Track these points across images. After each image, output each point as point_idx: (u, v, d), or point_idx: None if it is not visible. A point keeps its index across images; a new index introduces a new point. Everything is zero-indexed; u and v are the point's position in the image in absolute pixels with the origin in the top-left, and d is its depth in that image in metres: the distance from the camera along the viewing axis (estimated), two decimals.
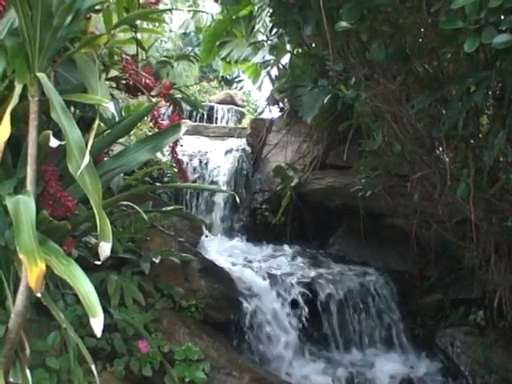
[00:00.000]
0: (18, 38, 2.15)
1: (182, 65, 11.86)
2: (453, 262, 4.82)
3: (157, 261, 3.65)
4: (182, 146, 2.91)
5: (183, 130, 2.57)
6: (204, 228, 4.84)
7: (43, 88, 2.02)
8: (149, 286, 3.60)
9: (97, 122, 2.06)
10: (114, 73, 2.97)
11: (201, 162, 6.49)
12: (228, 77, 16.34)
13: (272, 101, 7.46)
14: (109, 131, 2.64)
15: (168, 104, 3.11)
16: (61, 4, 2.16)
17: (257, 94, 14.90)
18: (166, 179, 5.62)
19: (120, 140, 3.00)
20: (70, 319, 2.79)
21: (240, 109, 12.16)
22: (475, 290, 4.67)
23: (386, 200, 4.92)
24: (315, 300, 4.61)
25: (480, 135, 3.42)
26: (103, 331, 1.75)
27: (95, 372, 2.06)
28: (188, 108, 7.53)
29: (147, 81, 2.80)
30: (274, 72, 7.27)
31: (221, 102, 12.20)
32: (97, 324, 1.74)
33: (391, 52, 2.99)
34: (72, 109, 2.57)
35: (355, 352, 4.62)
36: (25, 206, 1.92)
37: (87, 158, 1.86)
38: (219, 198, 6.27)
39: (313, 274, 4.93)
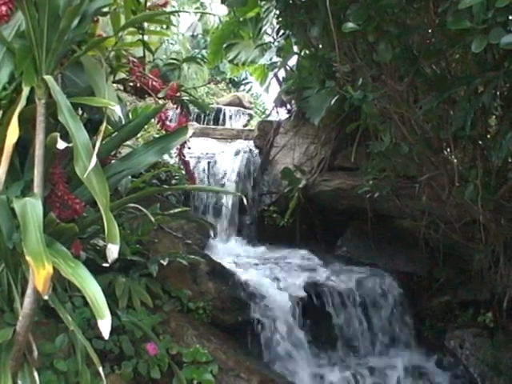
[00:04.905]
0: (25, 41, 2.16)
1: (192, 68, 11.89)
2: (461, 263, 4.80)
3: (164, 263, 3.65)
4: (189, 148, 2.90)
5: (190, 132, 2.56)
6: (212, 230, 4.84)
7: (50, 90, 2.02)
8: (156, 288, 3.61)
9: (104, 124, 2.06)
10: (121, 75, 2.97)
11: (208, 164, 6.49)
12: (236, 79, 16.37)
13: (279, 102, 7.46)
14: (116, 133, 2.64)
15: (175, 106, 3.12)
16: (68, 6, 2.16)
17: (265, 96, 14.94)
18: (173, 181, 5.63)
19: (128, 142, 3.00)
20: (77, 321, 2.79)
21: (247, 111, 12.15)
22: (484, 292, 4.64)
23: (394, 202, 4.91)
24: (324, 302, 4.60)
25: (488, 136, 3.41)
26: (111, 333, 1.75)
27: (103, 374, 2.06)
28: (196, 110, 7.54)
29: (154, 83, 2.80)
30: (282, 74, 7.28)
31: (228, 104, 12.19)
32: (104, 326, 1.73)
33: (398, 53, 2.98)
34: (79, 111, 2.57)
35: (364, 354, 4.61)
36: (32, 208, 1.92)
37: (94, 161, 1.86)
38: (227, 200, 6.26)
39: (321, 275, 4.92)
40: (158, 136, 2.94)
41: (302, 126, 6.60)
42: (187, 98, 3.28)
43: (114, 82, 2.93)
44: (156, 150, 2.55)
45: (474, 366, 4.41)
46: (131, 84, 3.01)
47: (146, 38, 3.16)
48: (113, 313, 1.83)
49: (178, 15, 10.02)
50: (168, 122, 2.74)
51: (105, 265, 1.95)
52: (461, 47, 3.10)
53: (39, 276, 1.73)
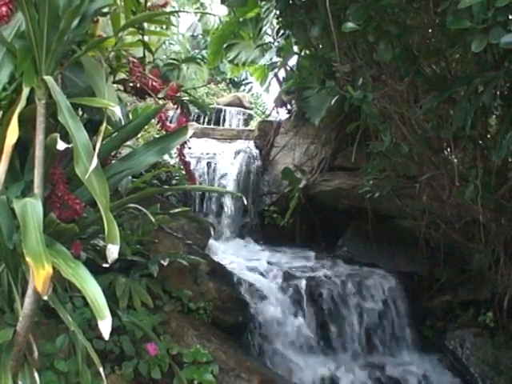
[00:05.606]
0: (25, 41, 2.15)
1: (191, 68, 11.88)
2: (462, 263, 4.80)
3: (165, 263, 3.65)
4: (189, 148, 2.90)
5: (190, 132, 2.56)
6: (212, 230, 4.84)
7: (50, 91, 2.02)
8: (157, 289, 3.61)
9: (104, 124, 2.05)
10: (121, 75, 2.97)
11: (209, 164, 6.49)
12: (236, 79, 16.35)
13: (279, 103, 7.46)
14: (116, 134, 2.64)
15: (175, 107, 3.11)
16: (68, 7, 2.15)
17: (265, 96, 14.92)
18: (174, 182, 5.63)
19: (128, 142, 3.00)
20: (78, 322, 2.79)
21: (248, 111, 12.14)
22: (484, 292, 4.65)
23: (395, 201, 4.92)
24: (324, 301, 4.60)
25: (488, 136, 3.40)
26: (111, 334, 1.74)
27: (103, 375, 2.05)
28: (196, 110, 7.53)
29: (154, 83, 2.79)
30: (282, 74, 7.29)
31: (229, 105, 12.18)
32: (105, 326, 1.73)
33: (398, 53, 2.99)
34: (79, 112, 2.56)
35: (364, 353, 4.60)
36: (32, 208, 1.92)
37: (95, 161, 1.85)
38: (227, 200, 6.27)
39: (322, 275, 4.92)
40: (158, 136, 2.93)
41: (303, 126, 6.61)
42: (187, 98, 3.28)
43: (114, 83, 2.92)
44: (156, 151, 2.55)
45: (475, 365, 4.40)
46: (131, 84, 3.00)
47: (146, 38, 3.16)
48: (113, 313, 1.83)
49: (178, 15, 10.00)
50: (168, 123, 2.74)
51: (105, 265, 1.95)
52: (461, 47, 3.11)
53: (39, 276, 1.73)
